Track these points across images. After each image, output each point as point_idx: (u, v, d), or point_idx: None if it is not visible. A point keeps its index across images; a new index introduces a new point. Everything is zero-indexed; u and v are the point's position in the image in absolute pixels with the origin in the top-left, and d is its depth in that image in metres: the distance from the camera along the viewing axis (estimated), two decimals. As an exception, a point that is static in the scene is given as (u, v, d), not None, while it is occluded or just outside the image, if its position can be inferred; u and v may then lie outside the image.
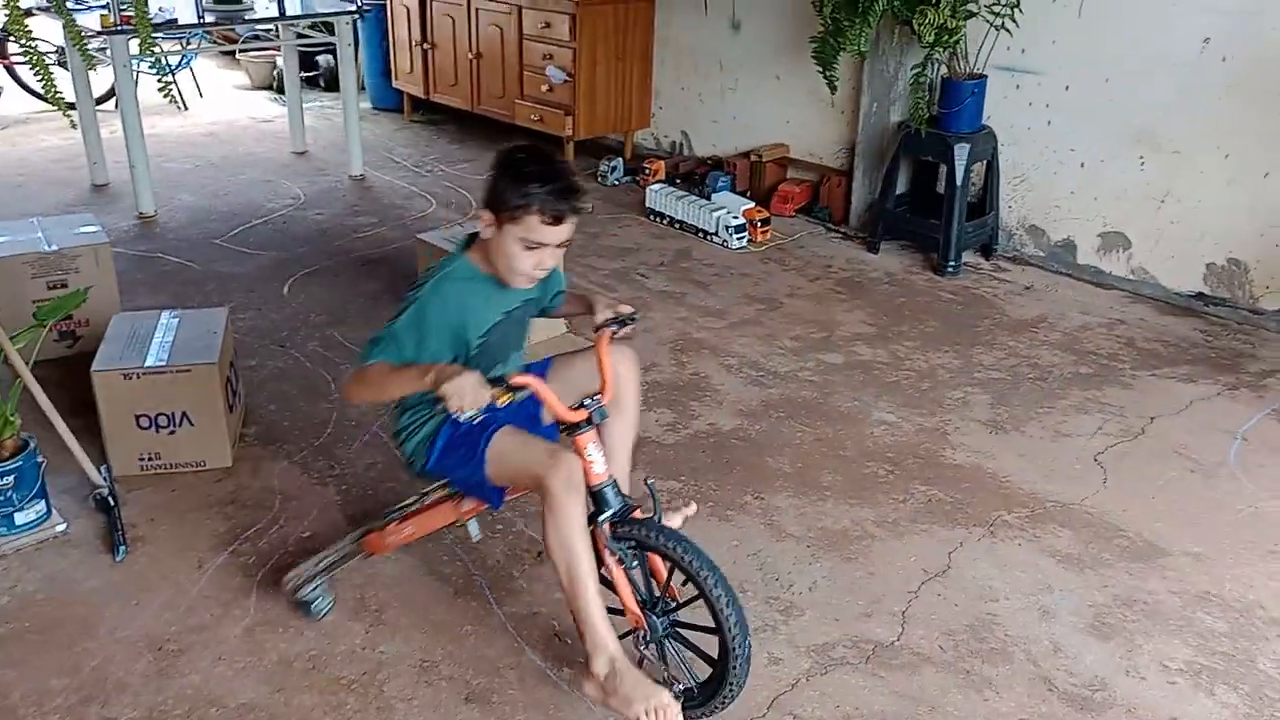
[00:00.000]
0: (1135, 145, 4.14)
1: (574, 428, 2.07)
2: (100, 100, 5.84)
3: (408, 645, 2.37)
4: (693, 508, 2.47)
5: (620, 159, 5.73)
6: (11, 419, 2.67)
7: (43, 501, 2.72)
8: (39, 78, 2.85)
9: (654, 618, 2.14)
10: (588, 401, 2.09)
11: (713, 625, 2.03)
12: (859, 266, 4.59)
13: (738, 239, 4.75)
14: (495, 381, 1.95)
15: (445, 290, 2.11)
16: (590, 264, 4.56)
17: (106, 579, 2.57)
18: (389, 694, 2.24)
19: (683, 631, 2.17)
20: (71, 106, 3.87)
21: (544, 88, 5.76)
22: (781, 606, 2.52)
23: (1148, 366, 3.70)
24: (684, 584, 2.09)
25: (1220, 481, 3.04)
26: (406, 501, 2.44)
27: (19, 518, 2.67)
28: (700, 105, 5.72)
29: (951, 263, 4.44)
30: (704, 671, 2.14)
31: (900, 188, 4.70)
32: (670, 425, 3.32)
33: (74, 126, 4.15)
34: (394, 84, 6.82)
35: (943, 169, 4.49)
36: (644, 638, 2.15)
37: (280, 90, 6.95)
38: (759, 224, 4.82)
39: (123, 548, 2.65)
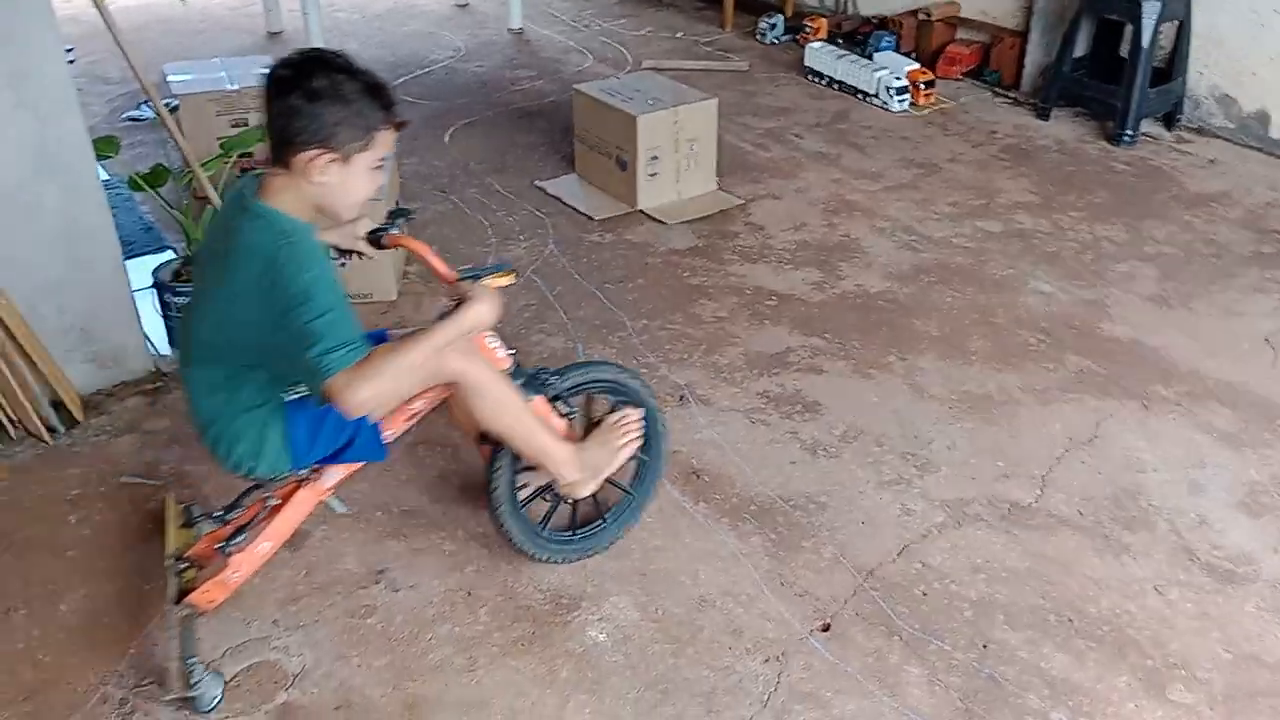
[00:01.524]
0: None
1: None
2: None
3: (554, 471, 2.50)
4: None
5: (781, 15, 5.55)
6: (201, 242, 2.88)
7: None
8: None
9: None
10: (463, 269, 1.99)
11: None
12: (1027, 133, 4.38)
13: (899, 101, 4.59)
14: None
15: (321, 250, 1.79)
16: (745, 123, 4.50)
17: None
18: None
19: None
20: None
21: (706, -61, 5.59)
22: (919, 462, 2.54)
23: (1338, 248, 3.45)
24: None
25: (1406, 370, 2.85)
26: (234, 523, 1.98)
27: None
28: (869, -41, 5.45)
29: (1129, 132, 4.18)
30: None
31: (1079, 50, 4.41)
32: (817, 284, 3.31)
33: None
34: (555, -64, 6.73)
35: (1128, 29, 4.18)
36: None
37: (443, -58, 6.96)
38: (923, 86, 4.63)
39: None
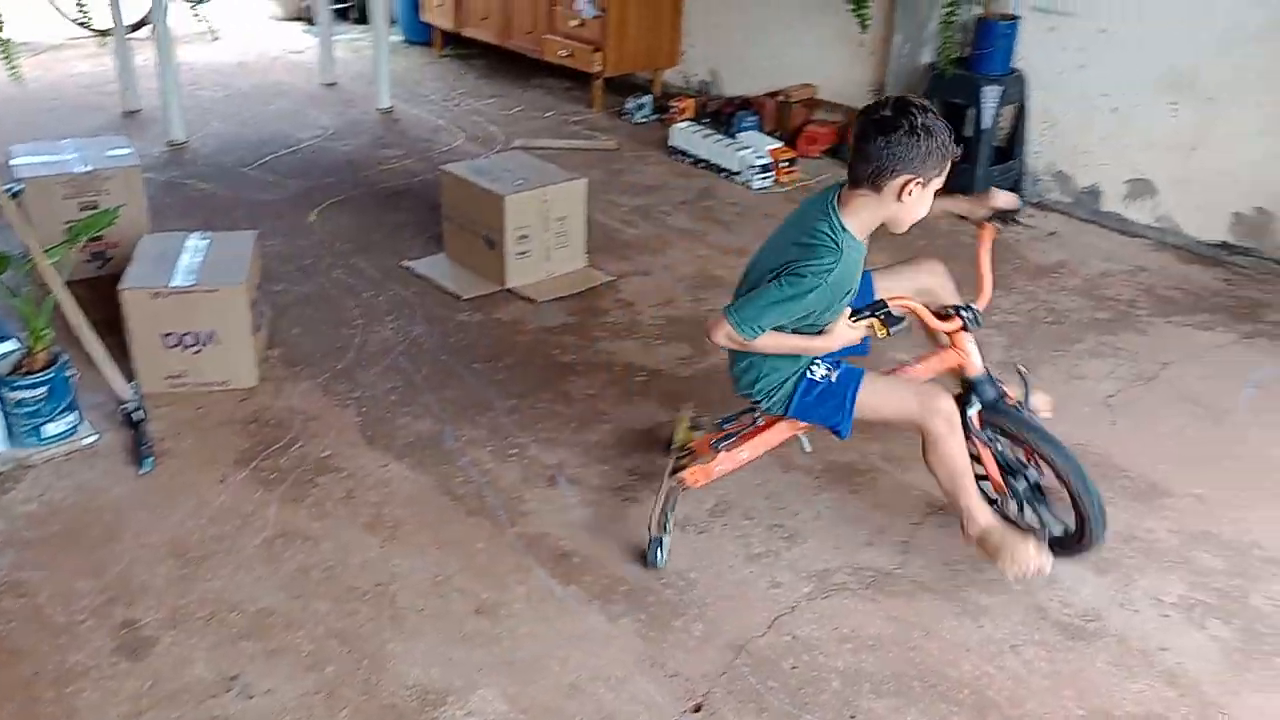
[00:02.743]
0: (1168, 92, 4.08)
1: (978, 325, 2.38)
2: (133, 28, 5.87)
3: (421, 560, 2.46)
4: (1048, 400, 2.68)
5: (649, 96, 5.71)
6: (44, 332, 2.76)
7: (73, 414, 2.82)
8: (77, 3, 2.89)
9: (1014, 482, 2.42)
10: (963, 310, 2.38)
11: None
12: (882, 209, 4.57)
13: (762, 179, 4.75)
14: (858, 313, 2.22)
15: (836, 275, 2.18)
16: (614, 200, 4.58)
17: (132, 489, 2.67)
18: (401, 604, 2.32)
19: (1043, 491, 2.42)
20: (105, 33, 3.91)
21: (574, 22, 5.73)
22: (786, 534, 2.58)
23: (1165, 313, 3.69)
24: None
25: (1229, 428, 3.05)
26: (728, 431, 2.53)
27: (49, 429, 2.76)
28: (730, 44, 5.67)
29: (975, 207, 4.41)
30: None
31: (927, 130, 4.65)
32: (685, 359, 3.36)
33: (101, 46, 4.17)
34: (423, 17, 6.80)
35: (971, 112, 4.44)
36: (1003, 502, 2.46)
37: (311, 21, 6.95)
38: (784, 164, 4.81)
39: (149, 460, 2.74)
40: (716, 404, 3.09)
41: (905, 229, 2.26)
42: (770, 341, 2.25)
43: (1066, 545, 2.40)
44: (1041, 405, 2.70)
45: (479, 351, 3.36)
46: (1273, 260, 3.97)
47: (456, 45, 6.81)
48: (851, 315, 2.24)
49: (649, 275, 3.93)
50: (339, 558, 2.46)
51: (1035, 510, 2.44)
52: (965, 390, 2.41)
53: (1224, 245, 4.09)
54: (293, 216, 4.32)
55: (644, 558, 2.44)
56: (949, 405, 2.27)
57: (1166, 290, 3.86)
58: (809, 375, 2.33)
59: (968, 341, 2.39)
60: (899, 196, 2.15)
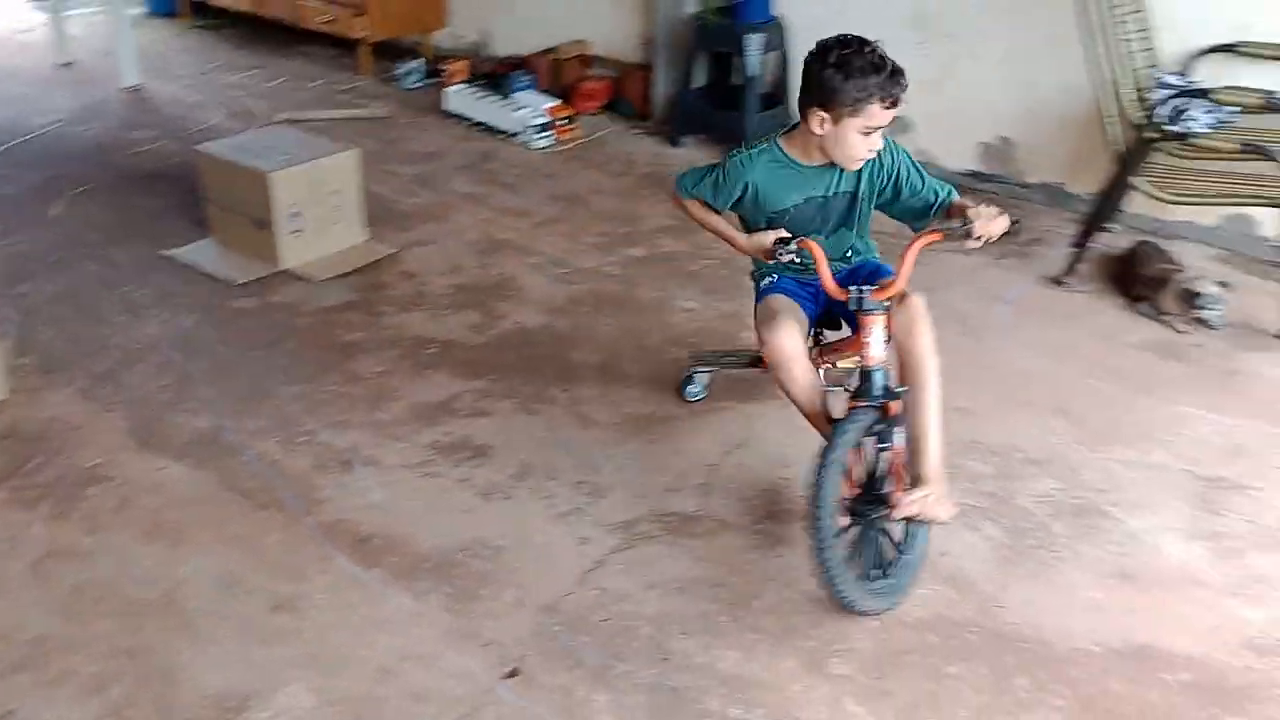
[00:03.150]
0: (915, 31, 4.30)
1: (860, 308, 2.24)
2: None
3: (209, 562, 2.33)
4: (945, 511, 2.24)
5: (419, 60, 5.54)
6: None
7: None
8: None
9: (864, 505, 2.24)
10: (853, 288, 2.24)
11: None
12: (662, 161, 4.64)
13: (541, 138, 4.71)
14: (785, 241, 2.30)
15: (751, 163, 2.37)
16: (391, 170, 4.44)
17: None
18: (191, 611, 2.20)
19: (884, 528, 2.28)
20: None
21: (331, -13, 5.47)
22: (590, 490, 2.60)
23: (929, 242, 3.92)
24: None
25: (988, 343, 3.28)
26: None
27: None
28: (498, 3, 5.57)
29: (750, 153, 4.54)
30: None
31: (699, 80, 4.74)
32: (476, 326, 3.31)
33: None
34: (167, -13, 6.34)
35: (737, 60, 4.55)
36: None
37: (37, -4, 6.35)
38: (562, 122, 4.79)
39: (-115, 492, 2.47)
40: (509, 370, 3.07)
41: (847, 166, 2.31)
42: (697, 212, 2.52)
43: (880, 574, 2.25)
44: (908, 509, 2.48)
45: (257, 338, 3.20)
46: (1018, 184, 4.28)
47: (206, 15, 6.38)
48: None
49: (433, 244, 3.84)
50: (118, 571, 2.30)
51: (863, 534, 2.26)
52: (860, 379, 2.27)
53: (975, 174, 4.37)
54: (34, 210, 3.96)
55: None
56: (777, 342, 2.32)
57: (928, 220, 4.10)
58: (760, 276, 2.60)
59: (871, 327, 2.23)
60: (817, 127, 2.23)
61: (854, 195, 2.41)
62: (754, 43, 4.39)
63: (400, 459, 2.69)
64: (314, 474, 2.62)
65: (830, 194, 2.40)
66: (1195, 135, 3.20)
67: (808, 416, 2.40)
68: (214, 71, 5.63)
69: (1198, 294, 3.30)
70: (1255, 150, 3.10)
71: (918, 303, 2.29)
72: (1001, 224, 2.21)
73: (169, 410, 2.84)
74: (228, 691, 2.01)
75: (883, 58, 2.19)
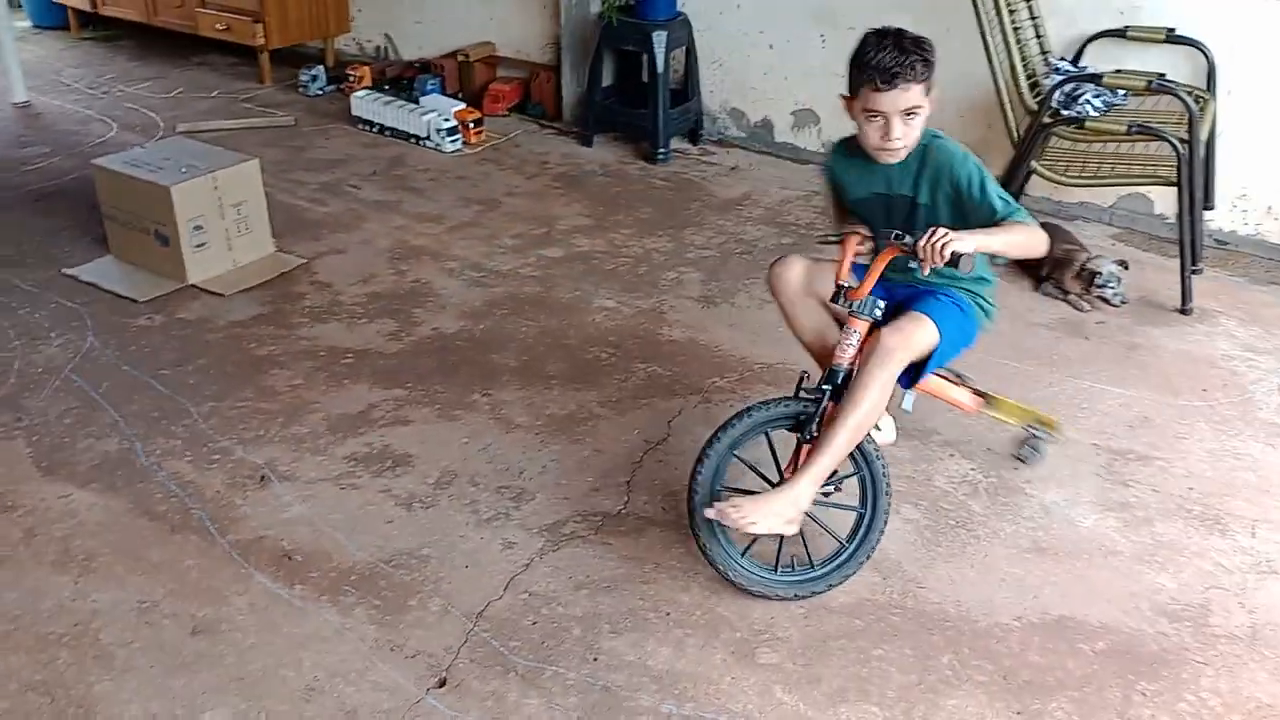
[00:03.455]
0: (816, 24, 4.36)
1: (844, 306, 2.27)
2: None
3: (123, 590, 2.26)
4: (765, 522, 2.16)
5: (321, 66, 5.44)
6: None
7: None
8: None
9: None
10: (841, 284, 2.25)
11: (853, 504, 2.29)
12: (574, 160, 4.63)
13: (451, 142, 4.66)
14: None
15: (835, 154, 2.45)
16: (298, 179, 4.35)
17: None
18: (106, 641, 2.13)
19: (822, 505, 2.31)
20: None
21: (228, -7, 5.34)
22: (514, 494, 2.58)
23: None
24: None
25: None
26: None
27: None
28: (402, 7, 5.50)
29: (661, 150, 4.56)
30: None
31: (607, 79, 4.75)
32: (393, 334, 3.27)
33: None
34: (54, -3, 6.12)
35: (645, 58, 4.56)
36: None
37: (-86, 10, 6.07)
38: (472, 125, 4.75)
39: None
40: (428, 377, 3.04)
41: (875, 157, 2.25)
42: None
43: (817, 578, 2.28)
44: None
45: (165, 356, 3.11)
46: (924, 173, 4.37)
47: (97, 26, 6.18)
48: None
49: (345, 253, 3.78)
50: (26, 605, 2.21)
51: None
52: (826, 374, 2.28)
53: (882, 163, 4.45)
54: (-80, 234, 3.79)
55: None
56: (774, 271, 2.45)
57: (839, 210, 4.16)
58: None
59: (850, 331, 2.25)
60: (849, 116, 2.26)
61: (913, 200, 2.29)
62: (660, 40, 4.40)
63: (319, 472, 2.64)
64: (230, 492, 2.56)
65: (890, 193, 2.31)
66: (1087, 119, 3.31)
67: (809, 352, 2.53)
68: (107, 84, 5.45)
69: (1098, 273, 3.41)
70: (1144, 131, 3.22)
71: (889, 343, 2.19)
72: (951, 249, 2.04)
73: (74, 435, 2.74)
74: (147, 722, 1.95)
75: (895, 42, 2.14)
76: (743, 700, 2.03)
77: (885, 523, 2.29)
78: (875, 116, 2.18)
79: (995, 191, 2.20)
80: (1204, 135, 3.37)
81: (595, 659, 2.11)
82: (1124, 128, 3.24)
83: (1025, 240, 2.19)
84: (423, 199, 4.23)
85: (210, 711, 1.98)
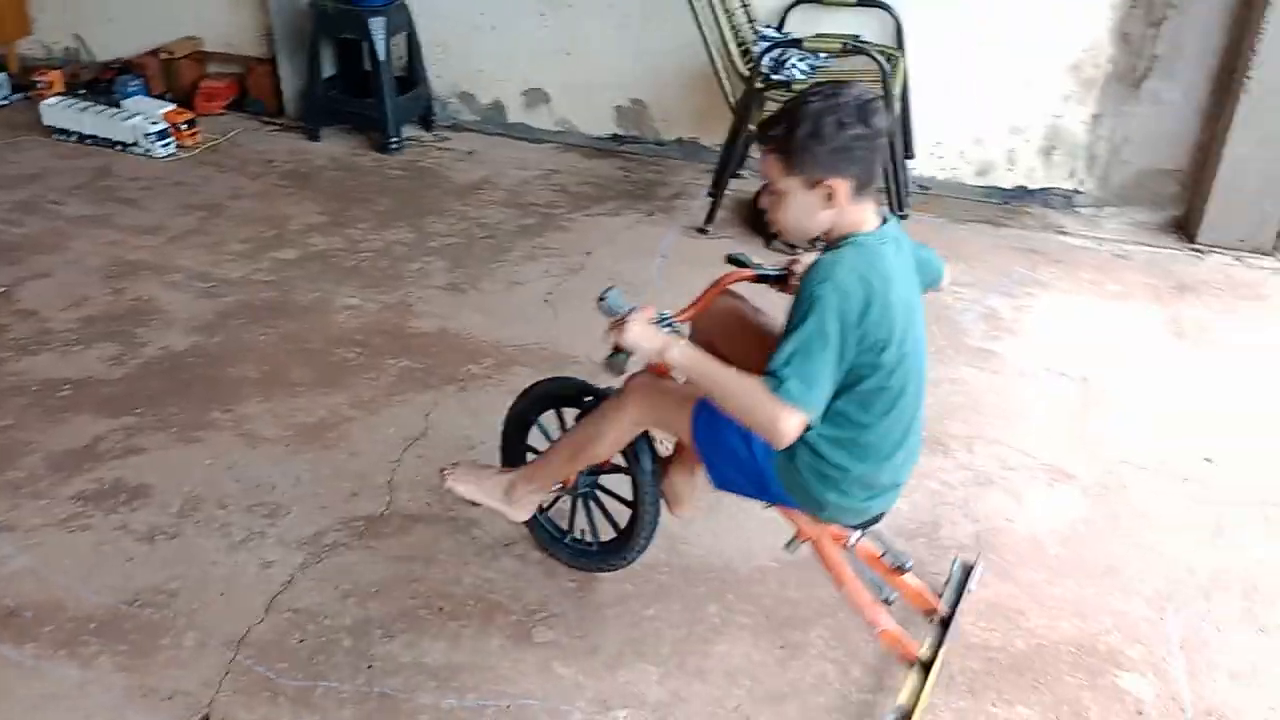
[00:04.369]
0: (535, 4, 4.36)
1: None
2: None
3: None
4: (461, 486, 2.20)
5: (4, 75, 4.93)
6: None
7: None
8: None
9: (582, 476, 2.20)
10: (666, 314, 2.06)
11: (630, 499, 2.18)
12: (302, 156, 4.44)
13: (162, 146, 4.35)
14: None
15: None
16: (-15, 199, 3.94)
17: None
18: None
19: (601, 496, 2.26)
20: None
21: (-125, -3, 4.73)
22: (267, 511, 2.47)
23: (581, 208, 4.03)
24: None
25: (650, 296, 3.42)
26: None
27: None
28: (90, 3, 5.05)
29: (394, 139, 4.44)
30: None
31: (328, 70, 4.57)
32: (115, 359, 3.03)
33: None
34: None
35: (365, 45, 4.42)
36: (565, 487, 2.24)
37: None
38: (184, 127, 4.45)
39: None
40: (160, 399, 2.84)
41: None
42: None
43: (597, 553, 2.28)
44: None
45: None
46: (654, 143, 4.49)
47: None
48: None
49: (50, 276, 3.46)
50: None
51: (588, 511, 2.26)
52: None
53: (615, 137, 4.53)
54: None
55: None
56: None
57: (578, 187, 4.21)
58: None
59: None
60: None
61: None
62: (378, 26, 4.27)
63: (42, 518, 2.43)
64: (-63, 555, 2.31)
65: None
66: (794, 81, 3.50)
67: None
68: None
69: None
70: (846, 90, 3.44)
71: (629, 385, 2.02)
72: (623, 340, 1.87)
73: None
74: None
75: (801, 105, 1.74)
76: (523, 682, 2.04)
77: (655, 518, 2.17)
78: (766, 183, 1.85)
79: (791, 346, 1.69)
80: (897, 90, 3.64)
81: (370, 666, 2.06)
82: (828, 88, 3.45)
83: (741, 403, 1.72)
84: (136, 210, 3.94)
85: (-64, 798, 1.79)
